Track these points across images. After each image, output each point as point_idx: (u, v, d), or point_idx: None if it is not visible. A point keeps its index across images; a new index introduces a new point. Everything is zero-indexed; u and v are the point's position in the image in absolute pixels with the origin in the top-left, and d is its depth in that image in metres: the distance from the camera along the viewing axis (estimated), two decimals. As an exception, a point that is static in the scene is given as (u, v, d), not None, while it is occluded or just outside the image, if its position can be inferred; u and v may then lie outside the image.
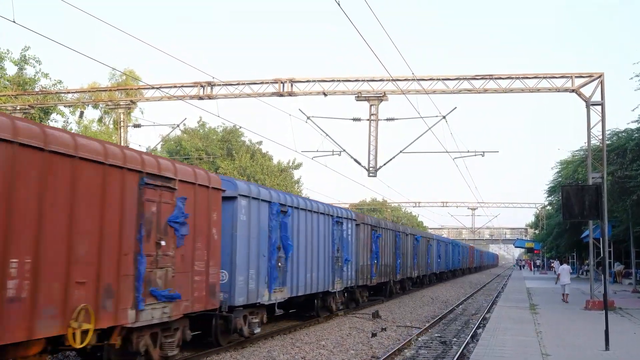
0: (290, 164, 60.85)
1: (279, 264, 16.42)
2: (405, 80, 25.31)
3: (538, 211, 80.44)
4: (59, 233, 8.79)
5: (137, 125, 36.26)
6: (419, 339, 17.68)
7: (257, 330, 15.46)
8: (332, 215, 21.26)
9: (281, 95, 26.40)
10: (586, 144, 24.50)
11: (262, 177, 51.98)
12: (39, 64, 35.87)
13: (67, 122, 38.64)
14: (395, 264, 31.45)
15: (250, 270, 14.86)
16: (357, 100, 25.92)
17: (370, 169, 26.23)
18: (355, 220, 24.24)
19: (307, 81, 26.38)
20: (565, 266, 29.00)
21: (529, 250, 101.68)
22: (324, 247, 20.44)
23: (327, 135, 27.29)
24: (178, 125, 38.92)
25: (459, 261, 62.28)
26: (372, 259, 26.48)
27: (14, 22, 16.47)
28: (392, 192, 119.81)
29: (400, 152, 27.22)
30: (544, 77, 24.40)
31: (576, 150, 41.15)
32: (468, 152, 30.89)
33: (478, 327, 19.45)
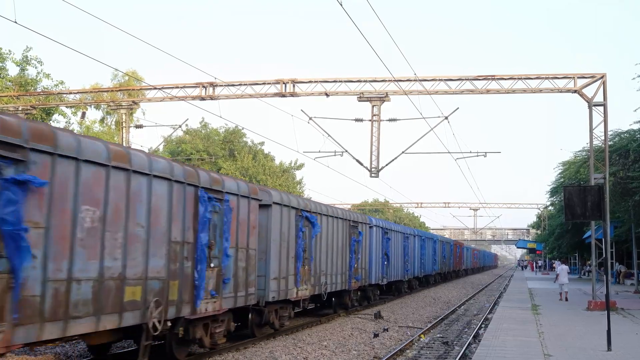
0: (293, 165, 60.89)
1: None
2: (407, 80, 25.31)
3: (540, 212, 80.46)
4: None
5: (139, 126, 36.31)
6: (421, 339, 17.67)
7: None
8: None
9: (283, 95, 26.42)
10: (588, 144, 24.47)
11: (264, 177, 52.03)
12: (41, 65, 35.95)
13: (69, 123, 38.69)
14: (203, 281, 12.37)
15: None
16: (359, 101, 25.94)
17: (372, 169, 26.24)
18: None
19: (309, 82, 26.39)
20: (564, 266, 30.29)
21: (531, 251, 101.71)
22: None
23: (329, 135, 27.34)
24: (180, 126, 38.94)
25: (434, 263, 43.50)
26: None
27: (16, 22, 16.53)
28: (394, 192, 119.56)
29: (403, 152, 27.27)
30: (546, 78, 24.39)
31: (578, 151, 41.14)
32: (470, 152, 30.97)
33: (480, 328, 19.44)
